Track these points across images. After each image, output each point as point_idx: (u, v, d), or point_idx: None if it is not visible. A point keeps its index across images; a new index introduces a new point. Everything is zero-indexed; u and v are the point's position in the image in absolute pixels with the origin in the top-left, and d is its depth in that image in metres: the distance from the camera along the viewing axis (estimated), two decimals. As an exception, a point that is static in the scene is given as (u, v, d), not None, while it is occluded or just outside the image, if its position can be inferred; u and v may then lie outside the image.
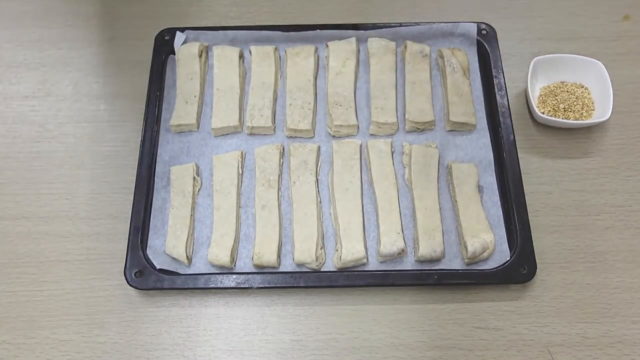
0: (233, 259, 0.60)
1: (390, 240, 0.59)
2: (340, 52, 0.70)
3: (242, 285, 0.58)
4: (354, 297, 0.59)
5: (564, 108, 0.67)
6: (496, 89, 0.67)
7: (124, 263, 0.58)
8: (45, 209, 0.64)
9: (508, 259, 0.59)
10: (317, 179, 0.64)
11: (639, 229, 0.62)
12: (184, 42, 0.71)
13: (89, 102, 0.71)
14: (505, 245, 0.60)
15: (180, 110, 0.67)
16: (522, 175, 0.62)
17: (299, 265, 0.60)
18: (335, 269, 0.59)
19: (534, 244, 0.59)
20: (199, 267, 0.60)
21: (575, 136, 0.67)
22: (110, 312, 0.59)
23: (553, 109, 0.67)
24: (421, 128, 0.67)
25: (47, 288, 0.60)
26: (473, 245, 0.58)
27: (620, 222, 0.63)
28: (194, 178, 0.64)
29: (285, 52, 0.71)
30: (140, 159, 0.64)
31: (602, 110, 0.66)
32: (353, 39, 0.71)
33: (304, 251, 0.59)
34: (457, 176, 0.63)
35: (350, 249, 0.58)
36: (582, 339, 0.57)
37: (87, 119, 0.70)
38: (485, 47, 0.70)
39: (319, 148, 0.65)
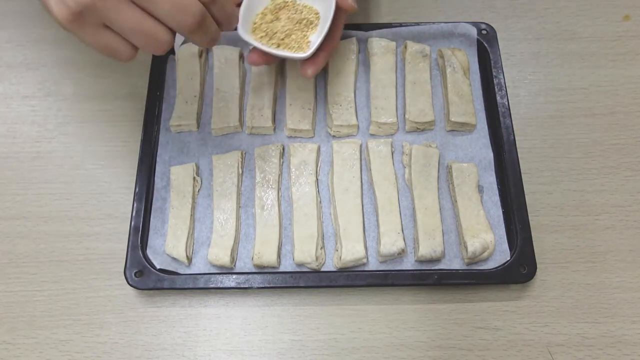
0: (233, 259, 0.60)
1: (391, 240, 0.59)
2: (341, 52, 0.70)
3: (242, 285, 0.58)
4: (354, 297, 0.59)
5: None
6: (496, 89, 0.67)
7: (124, 263, 0.58)
8: (45, 209, 0.64)
9: (508, 259, 0.59)
10: (317, 179, 0.64)
11: (639, 229, 0.62)
12: (184, 42, 0.71)
13: (89, 102, 0.71)
14: (505, 245, 0.60)
15: (180, 110, 0.67)
16: (522, 175, 0.62)
17: (299, 265, 0.60)
18: (335, 269, 0.59)
19: (534, 244, 0.59)
20: (199, 267, 0.60)
21: (576, 136, 0.67)
22: (110, 312, 0.59)
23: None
24: (421, 128, 0.67)
25: (47, 288, 0.60)
26: (473, 245, 0.58)
27: (620, 222, 0.63)
28: (194, 178, 0.64)
29: (286, 52, 0.71)
30: (140, 159, 0.64)
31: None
32: (353, 39, 0.71)
33: (304, 251, 0.59)
34: (457, 176, 0.63)
35: (350, 249, 0.58)
36: (582, 339, 0.57)
37: (87, 119, 0.70)
38: (485, 47, 0.70)
39: (319, 148, 0.65)
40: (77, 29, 0.43)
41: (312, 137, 0.67)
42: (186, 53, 0.70)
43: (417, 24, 0.72)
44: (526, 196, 0.61)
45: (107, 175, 0.66)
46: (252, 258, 0.59)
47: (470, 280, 0.58)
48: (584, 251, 0.61)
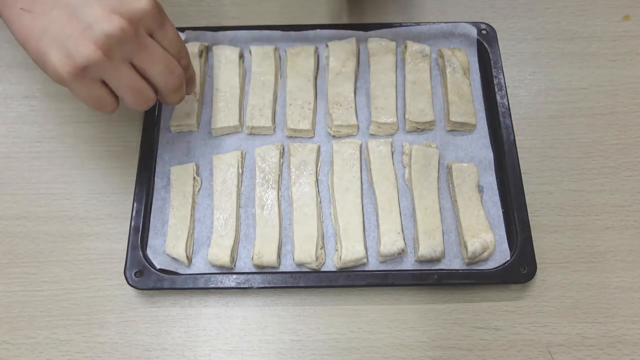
0: (233, 259, 0.60)
1: (391, 240, 0.59)
2: (341, 52, 0.70)
3: (242, 285, 0.58)
4: (354, 297, 0.59)
5: None
6: (496, 89, 0.67)
7: (124, 263, 0.58)
8: (45, 209, 0.64)
9: (508, 259, 0.59)
10: (317, 179, 0.64)
11: (639, 229, 0.62)
12: (184, 42, 0.71)
13: (89, 102, 0.71)
14: (505, 245, 0.60)
15: (180, 110, 0.67)
16: (522, 175, 0.62)
17: (299, 265, 0.60)
18: (335, 269, 0.59)
19: (534, 244, 0.59)
20: (199, 267, 0.60)
21: (576, 136, 0.67)
22: (110, 312, 0.59)
23: None
24: (421, 128, 0.67)
25: (47, 288, 0.60)
26: (473, 245, 0.58)
27: (620, 222, 0.63)
28: (194, 178, 0.64)
29: (285, 52, 0.71)
30: (140, 159, 0.64)
31: None
32: (353, 39, 0.71)
33: (304, 251, 0.59)
34: (457, 176, 0.63)
35: (350, 249, 0.58)
36: (582, 339, 0.57)
37: (87, 119, 0.70)
38: (485, 47, 0.70)
39: (319, 148, 0.65)
40: (75, 82, 0.47)
41: (312, 137, 0.67)
42: (186, 53, 0.70)
43: (417, 24, 0.72)
44: (526, 196, 0.61)
45: (107, 175, 0.66)
46: (252, 258, 0.59)
47: (470, 280, 0.58)
48: (584, 251, 0.61)
